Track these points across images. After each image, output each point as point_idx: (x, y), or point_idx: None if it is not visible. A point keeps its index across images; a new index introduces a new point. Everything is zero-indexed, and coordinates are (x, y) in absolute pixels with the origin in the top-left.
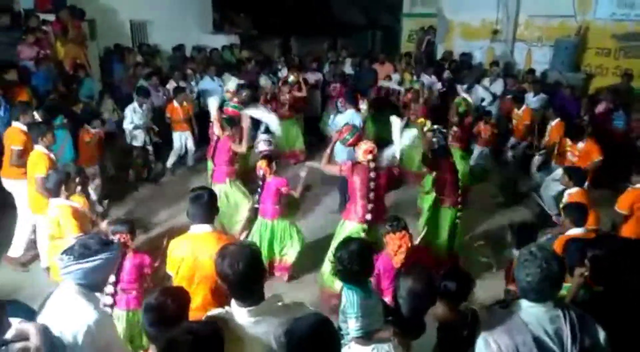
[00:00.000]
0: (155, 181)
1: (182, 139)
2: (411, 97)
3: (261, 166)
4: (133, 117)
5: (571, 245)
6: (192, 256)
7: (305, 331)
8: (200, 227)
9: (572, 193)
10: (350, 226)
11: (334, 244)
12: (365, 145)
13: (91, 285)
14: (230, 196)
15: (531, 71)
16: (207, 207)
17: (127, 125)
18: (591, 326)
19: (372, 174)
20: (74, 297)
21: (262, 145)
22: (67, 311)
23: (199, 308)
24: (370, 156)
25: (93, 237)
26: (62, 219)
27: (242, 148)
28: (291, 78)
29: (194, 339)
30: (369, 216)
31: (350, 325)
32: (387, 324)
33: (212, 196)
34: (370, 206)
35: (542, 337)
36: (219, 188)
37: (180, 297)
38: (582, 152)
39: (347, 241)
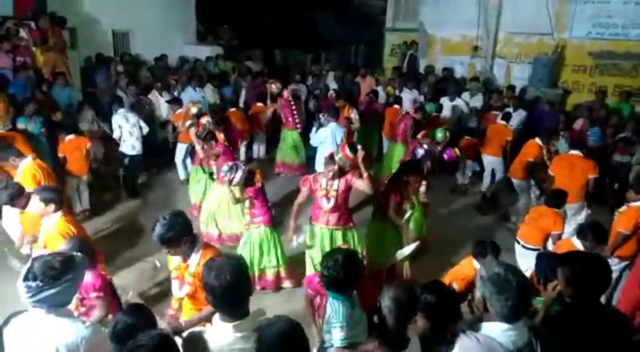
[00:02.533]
0: (131, 192)
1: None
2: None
3: (256, 181)
4: (123, 125)
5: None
6: None
7: (273, 336)
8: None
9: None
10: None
11: None
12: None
13: (64, 304)
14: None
15: (511, 87)
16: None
17: (117, 135)
18: (553, 345)
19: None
20: (52, 321)
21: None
22: (51, 334)
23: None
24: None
25: (52, 256)
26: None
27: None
28: (273, 88)
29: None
30: None
31: (335, 335)
32: (372, 338)
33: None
34: None
35: None
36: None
37: (145, 314)
38: None
39: (335, 250)
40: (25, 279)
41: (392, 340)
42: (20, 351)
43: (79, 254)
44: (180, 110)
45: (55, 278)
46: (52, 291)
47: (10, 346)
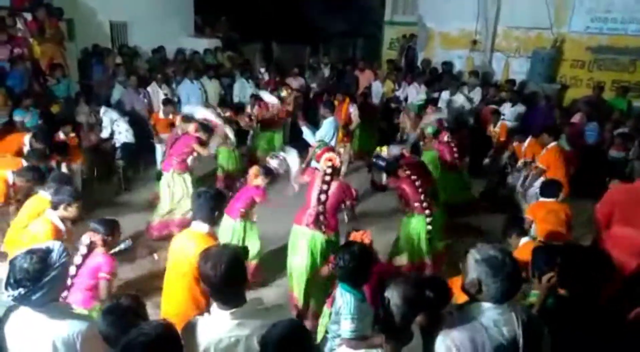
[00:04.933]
0: (126, 186)
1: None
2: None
3: (252, 172)
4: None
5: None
6: (180, 251)
7: (278, 337)
8: (199, 226)
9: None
10: (297, 230)
11: (290, 248)
12: (328, 154)
13: (54, 299)
14: (171, 186)
15: (510, 81)
16: (207, 206)
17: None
18: (539, 328)
19: (324, 186)
20: (46, 316)
21: (273, 162)
22: (46, 329)
23: (180, 303)
24: (329, 164)
25: (26, 258)
26: (41, 236)
27: (205, 152)
28: (283, 93)
29: (148, 341)
30: (320, 224)
31: (344, 326)
32: (378, 331)
33: (216, 197)
34: (322, 218)
35: (500, 340)
36: (165, 176)
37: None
38: (540, 157)
39: (350, 243)
40: (7, 287)
41: (397, 334)
42: (19, 346)
43: (56, 244)
44: (162, 116)
45: (35, 281)
46: (38, 293)
47: (10, 340)
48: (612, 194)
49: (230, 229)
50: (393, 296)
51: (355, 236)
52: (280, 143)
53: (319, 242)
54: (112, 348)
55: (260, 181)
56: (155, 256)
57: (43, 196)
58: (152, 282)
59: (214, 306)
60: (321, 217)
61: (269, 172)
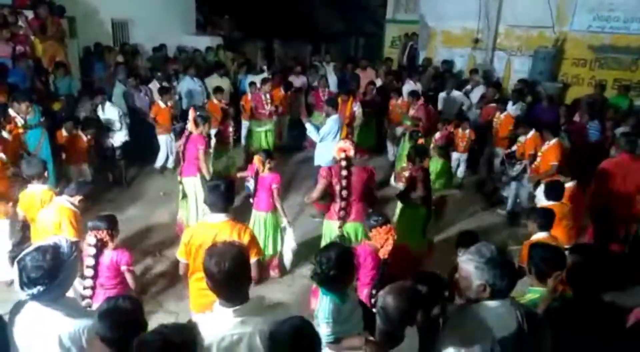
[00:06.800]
0: (128, 183)
1: (168, 142)
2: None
3: (258, 161)
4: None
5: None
6: (211, 243)
7: (286, 334)
8: (217, 216)
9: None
10: (331, 225)
11: (323, 243)
12: (344, 143)
13: (64, 294)
14: (199, 189)
15: (523, 81)
16: (224, 196)
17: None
18: (539, 321)
19: (344, 173)
20: (53, 311)
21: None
22: (52, 325)
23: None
24: (342, 155)
25: (38, 257)
26: (65, 222)
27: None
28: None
29: (164, 342)
30: (342, 213)
31: (322, 330)
32: (363, 332)
33: (229, 187)
34: (344, 204)
35: (507, 336)
36: (190, 181)
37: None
38: (544, 152)
39: (329, 245)
40: (23, 286)
41: (384, 337)
42: (26, 341)
43: (62, 239)
44: (162, 105)
45: (52, 278)
46: (54, 289)
47: (18, 335)
48: (607, 165)
49: (262, 223)
50: (378, 302)
51: (380, 231)
52: (272, 140)
53: (358, 232)
54: (110, 349)
55: (269, 165)
56: (158, 253)
57: (37, 189)
58: (155, 279)
59: (217, 303)
60: (344, 211)
61: (270, 155)
